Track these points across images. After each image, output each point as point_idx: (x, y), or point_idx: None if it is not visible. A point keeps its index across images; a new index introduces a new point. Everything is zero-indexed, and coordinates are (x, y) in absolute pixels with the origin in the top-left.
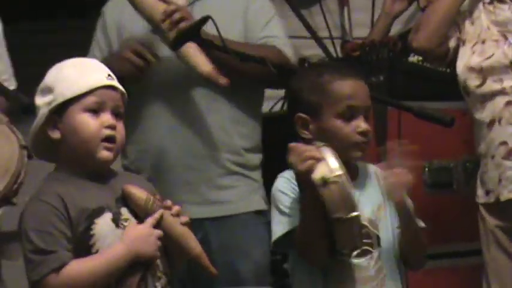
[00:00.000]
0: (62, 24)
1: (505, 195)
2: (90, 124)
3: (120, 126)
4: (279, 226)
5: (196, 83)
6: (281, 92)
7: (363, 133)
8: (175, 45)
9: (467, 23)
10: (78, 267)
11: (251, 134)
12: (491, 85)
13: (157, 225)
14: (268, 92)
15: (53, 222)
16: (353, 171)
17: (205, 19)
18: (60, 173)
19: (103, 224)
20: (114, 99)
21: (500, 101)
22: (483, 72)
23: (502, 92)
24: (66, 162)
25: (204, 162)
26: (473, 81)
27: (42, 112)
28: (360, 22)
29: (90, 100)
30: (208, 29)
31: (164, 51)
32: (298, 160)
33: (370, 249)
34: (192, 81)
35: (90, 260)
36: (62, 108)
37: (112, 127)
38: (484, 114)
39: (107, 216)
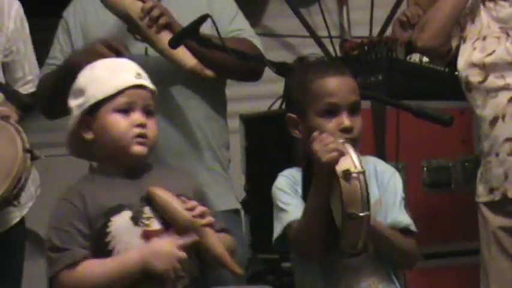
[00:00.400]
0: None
1: None
2: (120, 124)
3: (152, 123)
4: (278, 223)
5: (171, 82)
6: (280, 91)
7: (345, 130)
8: (174, 43)
9: (468, 21)
10: (91, 267)
11: (222, 131)
12: (493, 81)
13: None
14: (267, 91)
15: (71, 221)
16: None
17: (203, 17)
18: (91, 173)
19: (120, 221)
20: (143, 98)
21: (503, 97)
22: (485, 69)
23: (505, 88)
24: (100, 161)
25: (185, 159)
26: (475, 77)
27: (75, 114)
28: (358, 21)
29: (120, 101)
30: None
31: (138, 50)
32: (323, 150)
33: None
34: (167, 79)
35: (103, 262)
36: (94, 109)
37: (142, 125)
38: (486, 111)
39: (126, 214)
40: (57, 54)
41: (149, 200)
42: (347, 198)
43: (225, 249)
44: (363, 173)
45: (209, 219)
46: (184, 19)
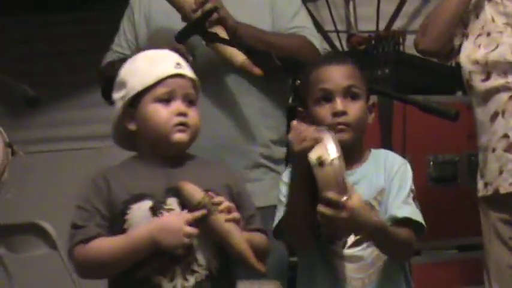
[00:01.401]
0: (66, 16)
1: (506, 187)
2: (161, 113)
3: (193, 112)
4: (277, 215)
5: (225, 76)
6: None
7: (337, 114)
8: (180, 38)
9: (472, 18)
10: (102, 242)
11: (277, 126)
12: (496, 80)
13: (201, 222)
14: None
15: (91, 200)
16: (360, 155)
17: (210, 12)
18: (129, 160)
19: (138, 210)
20: (184, 87)
21: (505, 94)
22: (488, 66)
23: (507, 86)
24: (142, 150)
25: (232, 154)
26: (478, 75)
27: (118, 106)
28: (365, 16)
29: (160, 91)
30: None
31: (196, 43)
32: (297, 138)
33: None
34: (221, 73)
35: (113, 239)
36: (136, 100)
37: (183, 114)
38: (487, 108)
39: (146, 204)
40: (122, 42)
41: (178, 193)
42: (322, 184)
43: (251, 246)
44: (338, 158)
45: (234, 214)
46: (245, 14)
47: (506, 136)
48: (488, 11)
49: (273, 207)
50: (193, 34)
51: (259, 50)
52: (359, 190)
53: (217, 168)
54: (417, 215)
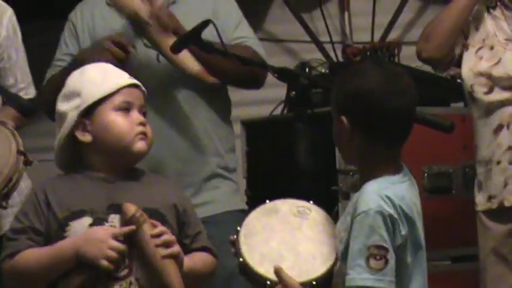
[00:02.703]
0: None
1: (510, 200)
2: (122, 122)
3: (147, 123)
4: None
5: (176, 90)
6: (281, 96)
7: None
8: (176, 48)
9: (472, 29)
10: (29, 255)
11: (227, 136)
12: (500, 93)
13: (130, 237)
14: (268, 96)
15: (27, 213)
16: (363, 182)
17: (205, 23)
18: (66, 174)
19: (78, 227)
20: (139, 98)
21: (510, 108)
22: (492, 79)
23: (510, 100)
24: (90, 163)
25: (190, 166)
26: (481, 88)
27: (71, 116)
28: (360, 27)
29: (119, 99)
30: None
31: (146, 53)
32: None
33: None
34: (175, 85)
35: (38, 250)
36: (90, 111)
37: (143, 124)
38: (490, 120)
39: (86, 221)
40: (64, 57)
41: (120, 211)
42: None
43: (193, 275)
44: None
45: (172, 249)
46: (190, 25)
47: (511, 148)
48: (489, 24)
49: (230, 213)
50: (189, 45)
51: (253, 61)
52: (342, 216)
53: (164, 185)
54: (364, 282)
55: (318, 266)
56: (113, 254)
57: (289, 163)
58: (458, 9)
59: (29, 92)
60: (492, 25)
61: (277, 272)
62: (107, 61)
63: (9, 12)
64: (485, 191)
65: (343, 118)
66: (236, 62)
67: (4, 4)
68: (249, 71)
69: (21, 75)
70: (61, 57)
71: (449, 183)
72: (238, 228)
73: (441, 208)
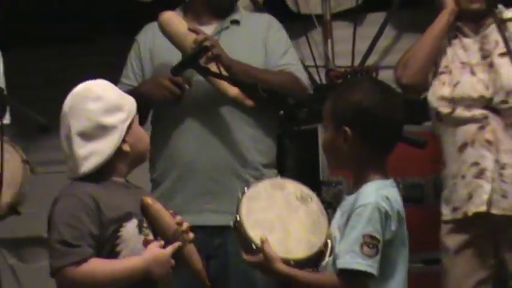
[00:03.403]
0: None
1: (472, 210)
2: (145, 134)
3: None
4: None
5: (221, 105)
6: None
7: None
8: (176, 71)
9: (439, 57)
10: (97, 266)
11: (267, 151)
12: (461, 112)
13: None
14: None
15: (82, 219)
16: (359, 184)
17: (202, 50)
18: (90, 181)
19: (129, 228)
20: None
21: (473, 126)
22: (454, 101)
23: (473, 118)
24: (118, 170)
25: (226, 175)
26: (444, 109)
27: (121, 129)
28: (342, 52)
29: (136, 115)
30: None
31: (194, 75)
32: None
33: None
34: (217, 103)
35: (109, 263)
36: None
37: None
38: (456, 138)
39: (134, 222)
40: (130, 75)
41: (145, 211)
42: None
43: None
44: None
45: (192, 234)
46: (241, 52)
47: (476, 164)
48: (449, 51)
49: None
50: (187, 69)
51: (246, 84)
52: (337, 215)
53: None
54: (350, 265)
55: (301, 249)
56: (170, 271)
57: (279, 173)
58: (432, 37)
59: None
60: (451, 53)
61: (262, 242)
62: (164, 97)
63: None
64: (450, 203)
65: (346, 128)
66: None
67: None
68: (293, 87)
69: None
70: (127, 74)
71: (421, 194)
72: (246, 188)
73: (414, 216)
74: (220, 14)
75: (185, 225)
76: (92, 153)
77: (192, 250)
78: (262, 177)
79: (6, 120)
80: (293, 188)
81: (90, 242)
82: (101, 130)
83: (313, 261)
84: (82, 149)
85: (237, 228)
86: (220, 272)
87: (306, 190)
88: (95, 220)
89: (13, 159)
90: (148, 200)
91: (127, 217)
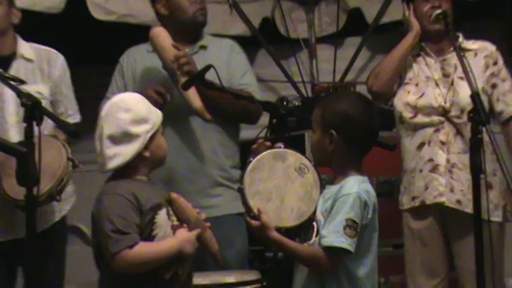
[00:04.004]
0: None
1: (430, 200)
2: (166, 144)
3: None
4: None
5: (194, 116)
6: (265, 122)
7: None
8: (186, 86)
9: (403, 71)
10: (144, 248)
11: (233, 155)
12: (421, 118)
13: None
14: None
15: (128, 212)
16: (341, 177)
17: (207, 67)
18: (128, 180)
19: (162, 215)
20: None
21: (430, 129)
22: (416, 108)
23: (431, 123)
24: (141, 171)
25: (199, 176)
26: (407, 114)
27: (144, 138)
28: (325, 70)
29: (161, 127)
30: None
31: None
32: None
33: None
34: (191, 114)
35: (153, 245)
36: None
37: None
38: (415, 139)
39: (164, 211)
40: (115, 91)
41: (170, 202)
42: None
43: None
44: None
45: (208, 224)
46: (210, 73)
47: (431, 160)
48: (415, 67)
49: (231, 215)
50: (196, 83)
51: (244, 96)
52: (320, 202)
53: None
54: (335, 243)
55: (292, 218)
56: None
57: None
58: (399, 54)
59: (75, 117)
60: (416, 68)
61: (259, 212)
62: None
63: (61, 58)
64: (408, 194)
65: (334, 132)
66: (233, 102)
67: (57, 52)
68: (244, 110)
69: (69, 105)
70: (112, 91)
71: (391, 189)
72: (251, 159)
73: (385, 208)
74: (189, 40)
75: (203, 216)
76: (116, 155)
77: (210, 236)
78: (230, 177)
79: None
80: (293, 159)
81: (136, 230)
82: (126, 137)
83: (303, 227)
84: (109, 149)
85: (241, 194)
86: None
87: (304, 161)
88: (137, 212)
89: (59, 155)
90: (174, 195)
91: (158, 207)
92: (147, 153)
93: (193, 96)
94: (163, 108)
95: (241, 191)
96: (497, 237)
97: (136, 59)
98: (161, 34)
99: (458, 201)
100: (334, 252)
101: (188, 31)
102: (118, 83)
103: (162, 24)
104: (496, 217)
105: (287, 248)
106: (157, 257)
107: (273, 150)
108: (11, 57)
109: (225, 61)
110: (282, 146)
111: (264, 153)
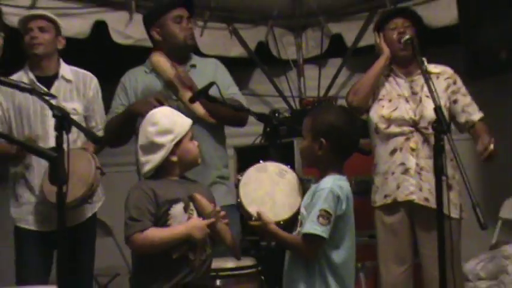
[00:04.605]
0: None
1: (402, 197)
2: (193, 149)
3: None
4: None
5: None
6: (260, 131)
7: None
8: (194, 99)
9: (377, 88)
10: (153, 233)
11: (223, 156)
12: (394, 128)
13: (211, 225)
14: (252, 131)
15: (144, 203)
16: (322, 176)
17: (211, 84)
18: (155, 179)
19: (177, 209)
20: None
21: (401, 137)
22: (390, 120)
23: (402, 132)
24: (168, 173)
25: (200, 176)
26: (382, 125)
27: (168, 146)
28: (311, 86)
29: (189, 135)
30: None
31: (173, 102)
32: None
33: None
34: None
35: (161, 230)
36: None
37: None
38: (388, 145)
39: (180, 205)
40: (119, 106)
41: (192, 199)
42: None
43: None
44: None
45: (226, 220)
46: (200, 83)
47: (403, 164)
48: (387, 86)
49: (225, 206)
50: (202, 98)
51: (243, 108)
52: (304, 199)
53: (201, 186)
54: (310, 230)
55: (285, 212)
56: (206, 237)
57: None
58: (374, 73)
59: (105, 126)
60: (388, 86)
61: (259, 214)
62: (148, 111)
63: (94, 80)
64: (381, 193)
65: (323, 140)
66: (230, 110)
67: (92, 75)
68: (237, 116)
69: (100, 120)
70: (116, 106)
71: (367, 188)
72: (240, 177)
73: (362, 204)
74: (180, 60)
75: (219, 210)
76: (147, 162)
77: (226, 230)
78: (223, 175)
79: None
80: (272, 167)
81: (149, 218)
82: (153, 146)
83: (296, 217)
84: (142, 157)
85: (240, 207)
86: None
87: (282, 167)
88: (153, 203)
89: (89, 165)
90: (195, 195)
91: (175, 201)
92: (174, 158)
93: (196, 106)
94: None
95: (239, 203)
96: (456, 229)
97: (137, 78)
98: (161, 58)
99: (426, 199)
100: (310, 238)
101: (180, 53)
102: (121, 99)
103: (156, 47)
104: (455, 214)
105: (280, 238)
106: (164, 241)
107: (255, 165)
108: (54, 77)
109: (212, 76)
110: (261, 162)
111: (249, 169)
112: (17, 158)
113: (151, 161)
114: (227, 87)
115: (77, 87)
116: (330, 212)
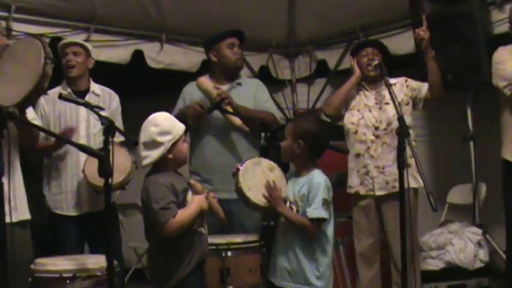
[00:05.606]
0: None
1: (363, 192)
2: (186, 149)
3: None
4: None
5: (230, 130)
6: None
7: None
8: (209, 111)
9: (349, 101)
10: (181, 214)
11: (254, 156)
12: (361, 134)
13: (206, 196)
14: None
15: (168, 194)
16: (306, 172)
17: (223, 99)
18: (163, 172)
19: (190, 195)
20: None
21: (364, 145)
22: (358, 126)
23: (365, 141)
24: (167, 168)
25: (230, 169)
26: (351, 131)
27: (167, 145)
28: (302, 100)
29: (183, 137)
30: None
31: (216, 112)
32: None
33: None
34: (228, 128)
35: (186, 210)
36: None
37: None
38: (354, 149)
39: (190, 192)
40: (182, 106)
41: (190, 185)
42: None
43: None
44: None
45: (212, 194)
46: (242, 100)
47: (364, 167)
48: (357, 97)
49: None
50: (215, 110)
51: (249, 118)
52: (290, 191)
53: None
54: (319, 215)
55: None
56: (208, 208)
57: None
58: (345, 89)
59: (120, 138)
60: (358, 98)
61: (270, 187)
62: (192, 113)
63: (117, 97)
64: (350, 185)
65: (301, 141)
66: (255, 118)
67: (114, 92)
68: (265, 121)
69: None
70: (179, 106)
71: (345, 180)
72: (240, 167)
73: (343, 192)
74: (230, 78)
75: (207, 191)
76: (147, 157)
77: (216, 205)
78: None
79: (121, 138)
80: (265, 163)
81: (174, 205)
82: (154, 144)
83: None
84: (143, 152)
85: (240, 193)
86: (228, 221)
87: (272, 163)
88: (173, 194)
89: (127, 160)
90: (191, 181)
91: (187, 190)
92: (170, 156)
93: (233, 117)
94: (201, 117)
95: (239, 188)
96: (413, 200)
97: (192, 90)
98: (205, 80)
99: (386, 188)
100: (318, 221)
101: (230, 73)
102: (180, 104)
103: (212, 67)
104: (414, 184)
105: (287, 215)
106: (191, 218)
107: (252, 160)
108: (86, 91)
109: (253, 93)
110: (256, 157)
111: (246, 162)
112: (54, 150)
113: (150, 156)
114: (264, 102)
115: (103, 101)
116: (328, 200)
